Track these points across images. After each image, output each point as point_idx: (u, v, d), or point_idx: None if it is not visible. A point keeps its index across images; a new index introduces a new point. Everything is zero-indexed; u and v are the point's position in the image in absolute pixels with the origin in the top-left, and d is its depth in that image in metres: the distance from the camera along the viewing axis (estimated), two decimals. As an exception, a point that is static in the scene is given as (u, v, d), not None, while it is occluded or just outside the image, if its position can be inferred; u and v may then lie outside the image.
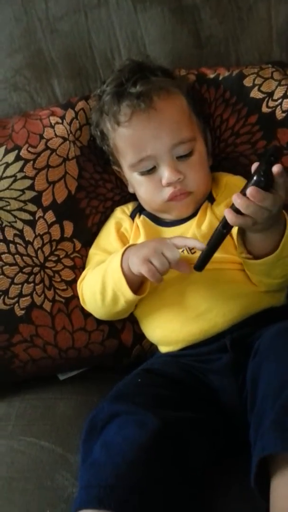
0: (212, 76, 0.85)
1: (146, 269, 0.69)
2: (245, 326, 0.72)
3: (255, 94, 0.82)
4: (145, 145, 0.75)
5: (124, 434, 0.60)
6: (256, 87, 0.82)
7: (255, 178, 0.62)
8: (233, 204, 0.64)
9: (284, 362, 0.61)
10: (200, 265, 0.68)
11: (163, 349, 0.79)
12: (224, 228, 0.65)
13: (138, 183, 0.79)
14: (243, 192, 0.63)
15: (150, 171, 0.77)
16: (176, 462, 0.60)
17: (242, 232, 0.70)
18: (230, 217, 0.64)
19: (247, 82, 0.83)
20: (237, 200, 0.63)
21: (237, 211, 0.64)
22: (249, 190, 0.62)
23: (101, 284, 0.76)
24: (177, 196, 0.77)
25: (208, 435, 0.66)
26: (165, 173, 0.75)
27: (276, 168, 0.62)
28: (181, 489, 0.60)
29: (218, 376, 0.71)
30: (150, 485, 0.57)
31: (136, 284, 0.74)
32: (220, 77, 0.85)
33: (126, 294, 0.73)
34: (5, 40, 0.90)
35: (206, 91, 0.85)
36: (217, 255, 0.73)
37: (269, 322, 0.70)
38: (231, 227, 0.65)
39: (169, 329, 0.76)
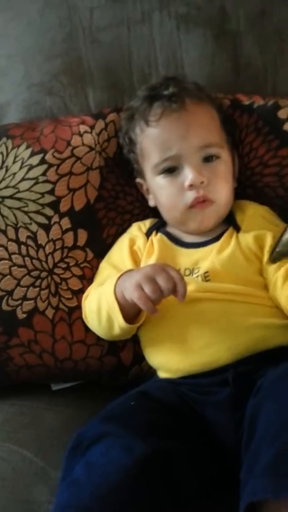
0: (247, 103, 0.84)
1: (137, 296, 0.66)
2: (250, 362, 0.69)
3: (288, 127, 0.81)
4: (172, 144, 0.74)
5: (109, 456, 0.58)
6: (291, 121, 0.81)
7: None
8: None
9: (285, 404, 0.58)
10: (279, 256, 0.67)
11: (162, 374, 0.76)
12: None
13: (160, 188, 0.77)
14: None
15: (174, 173, 0.75)
16: (161, 492, 0.57)
17: None
18: None
19: (282, 114, 0.82)
20: None
21: None
22: None
23: (97, 306, 0.74)
24: (199, 203, 0.74)
25: (198, 468, 0.63)
26: (189, 175, 0.74)
27: None
28: None
29: (216, 410, 0.68)
30: (130, 510, 0.55)
31: (132, 311, 0.71)
32: (255, 105, 0.84)
33: (119, 320, 0.71)
34: (47, 44, 0.91)
35: (239, 117, 0.84)
36: (233, 286, 0.71)
37: (276, 361, 0.67)
38: None
39: (170, 357, 0.73)
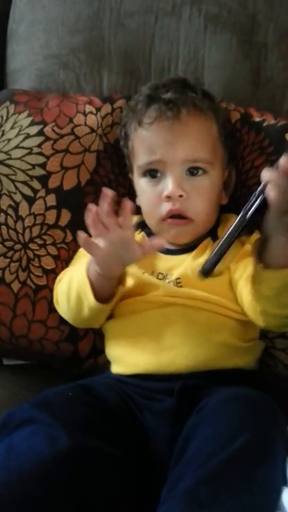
0: (257, 119, 0.82)
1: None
2: (202, 378, 0.68)
3: (293, 150, 0.79)
4: (158, 149, 0.73)
5: (31, 443, 0.56)
6: (297, 144, 0.79)
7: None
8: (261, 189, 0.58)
9: (221, 430, 0.57)
10: (211, 265, 0.59)
11: (115, 368, 0.74)
12: (247, 213, 0.57)
13: (142, 191, 0.76)
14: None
15: (156, 178, 0.73)
16: (74, 491, 0.55)
17: (263, 239, 0.62)
18: (272, 190, 0.56)
19: (290, 136, 0.80)
20: (265, 171, 0.57)
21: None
22: (281, 160, 0.55)
23: (67, 286, 0.73)
24: (174, 219, 0.73)
25: (123, 475, 0.61)
26: (169, 185, 0.72)
27: None
28: None
29: (154, 418, 0.67)
30: (36, 504, 0.53)
31: (104, 292, 0.70)
32: (265, 123, 0.81)
33: (89, 298, 0.69)
34: (72, 18, 0.89)
35: (246, 133, 0.81)
36: (203, 293, 0.69)
37: (228, 382, 0.66)
38: (255, 212, 0.58)
39: (129, 350, 0.72)
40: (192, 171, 0.73)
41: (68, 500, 0.55)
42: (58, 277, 0.78)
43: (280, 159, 0.56)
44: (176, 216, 0.73)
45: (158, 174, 0.73)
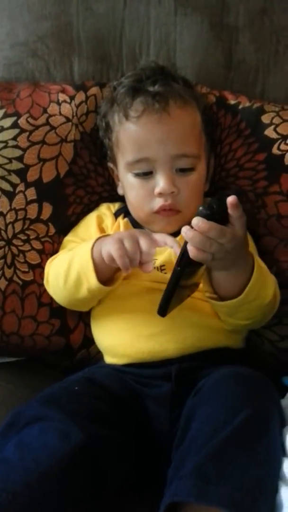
0: (232, 102, 0.83)
1: (116, 247, 0.65)
2: (195, 360, 0.70)
3: (269, 133, 0.80)
4: (148, 147, 0.72)
5: (44, 441, 0.56)
6: (273, 126, 0.80)
7: (200, 208, 0.60)
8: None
9: (221, 408, 0.59)
10: (162, 309, 0.64)
11: (108, 359, 0.76)
12: (178, 265, 0.62)
13: (130, 186, 0.76)
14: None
15: (146, 176, 0.74)
16: (90, 482, 0.57)
17: (208, 271, 0.68)
18: (190, 249, 0.61)
19: (265, 118, 0.81)
20: (183, 231, 0.61)
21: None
22: (193, 220, 0.60)
23: (67, 265, 0.72)
24: (165, 211, 0.74)
25: (130, 460, 0.63)
26: (161, 183, 0.73)
27: (230, 199, 0.60)
28: (87, 510, 0.56)
29: (154, 403, 0.68)
30: (57, 500, 0.54)
31: (105, 274, 0.70)
32: (240, 106, 0.82)
33: (90, 280, 0.69)
34: (37, 3, 0.86)
35: (223, 116, 0.82)
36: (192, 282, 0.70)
37: (220, 362, 0.68)
38: (186, 263, 0.62)
39: (119, 340, 0.73)
40: (182, 169, 0.73)
41: (87, 491, 0.56)
42: (50, 259, 0.77)
43: (194, 218, 0.60)
44: (167, 209, 0.74)
45: (148, 170, 0.73)
